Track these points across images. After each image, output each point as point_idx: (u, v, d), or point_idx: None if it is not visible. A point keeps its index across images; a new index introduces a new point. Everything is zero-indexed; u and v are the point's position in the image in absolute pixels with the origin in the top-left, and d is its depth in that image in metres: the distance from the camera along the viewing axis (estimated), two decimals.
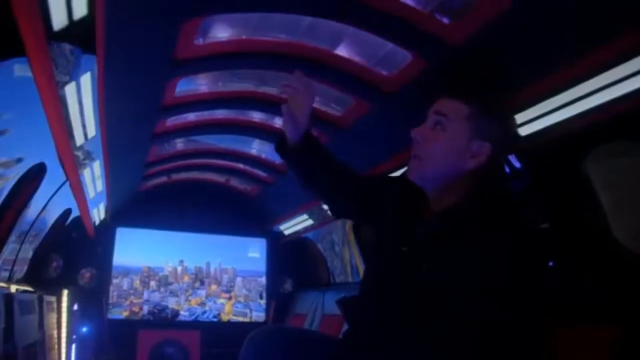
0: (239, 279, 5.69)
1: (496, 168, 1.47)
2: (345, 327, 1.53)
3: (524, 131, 2.23)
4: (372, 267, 1.55)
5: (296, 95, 1.58)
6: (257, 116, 3.54)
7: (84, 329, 4.85)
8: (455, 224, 1.31)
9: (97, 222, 4.90)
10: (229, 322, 5.50)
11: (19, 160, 2.73)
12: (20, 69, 1.90)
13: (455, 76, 2.17)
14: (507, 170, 2.37)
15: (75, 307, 4.72)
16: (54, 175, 3.08)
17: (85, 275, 5.12)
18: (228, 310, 5.57)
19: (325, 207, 4.25)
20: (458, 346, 1.19)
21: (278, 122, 3.54)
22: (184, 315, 5.42)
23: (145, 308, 5.31)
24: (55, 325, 3.97)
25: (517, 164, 2.34)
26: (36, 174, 2.93)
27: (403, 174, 1.55)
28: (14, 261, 3.57)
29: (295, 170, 1.67)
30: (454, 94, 1.41)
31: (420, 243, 1.35)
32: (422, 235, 1.37)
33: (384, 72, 2.55)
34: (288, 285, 5.82)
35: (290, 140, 1.60)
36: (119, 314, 5.21)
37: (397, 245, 1.41)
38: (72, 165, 2.70)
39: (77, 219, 4.35)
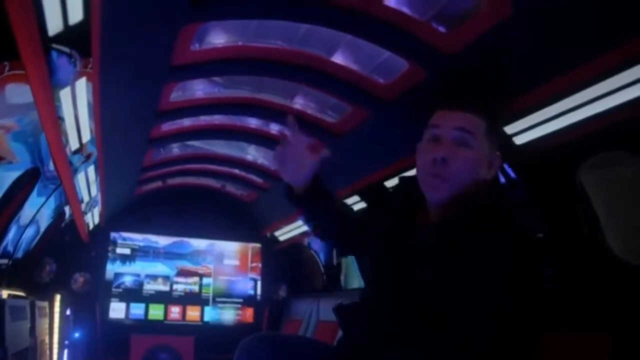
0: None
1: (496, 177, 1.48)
2: (340, 333, 1.52)
3: (519, 140, 2.24)
4: (370, 276, 1.54)
5: (287, 150, 1.58)
6: (253, 122, 3.54)
7: (77, 334, 4.81)
8: (454, 234, 1.30)
9: (91, 227, 4.87)
10: (223, 328, 5.46)
11: (15, 163, 2.72)
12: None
13: (462, 87, 2.16)
14: (504, 180, 2.37)
15: (68, 312, 4.68)
16: (48, 179, 3.06)
17: (79, 280, 5.08)
18: None
19: None
20: (455, 356, 1.18)
21: (274, 128, 3.54)
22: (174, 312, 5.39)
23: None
24: (47, 331, 3.94)
25: (513, 175, 2.34)
26: (30, 178, 2.92)
27: (399, 185, 1.54)
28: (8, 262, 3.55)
29: (300, 214, 1.69)
30: (470, 107, 1.39)
31: (419, 252, 1.34)
32: (419, 244, 1.36)
33: (381, 80, 2.55)
34: (282, 291, 5.80)
35: (295, 187, 1.60)
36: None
37: (394, 255, 1.40)
38: (66, 169, 2.69)
39: (71, 223, 4.33)
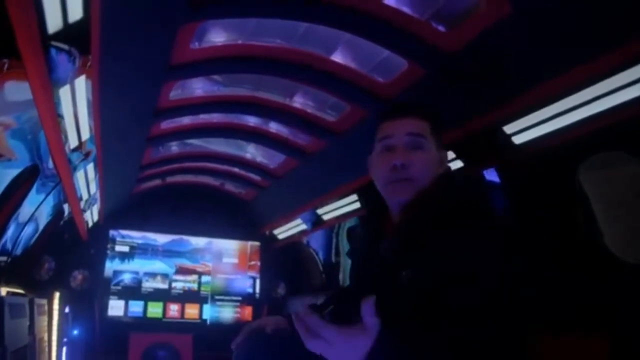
0: None
1: (452, 175, 1.52)
2: None
3: (518, 139, 2.24)
4: (356, 282, 1.56)
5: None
6: (252, 121, 3.54)
7: (75, 332, 4.81)
8: (415, 232, 1.31)
9: (90, 224, 4.87)
10: (221, 326, 5.47)
11: (13, 160, 2.72)
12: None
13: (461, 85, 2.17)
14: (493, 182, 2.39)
15: (67, 310, 4.68)
16: (47, 177, 3.06)
17: (78, 277, 5.08)
18: None
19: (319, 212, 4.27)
20: (448, 356, 1.18)
21: (273, 127, 3.54)
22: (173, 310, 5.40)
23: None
24: (46, 329, 3.94)
25: (497, 179, 2.37)
26: (29, 176, 2.92)
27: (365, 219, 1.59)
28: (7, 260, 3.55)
29: None
30: (413, 113, 1.45)
31: (392, 255, 1.36)
32: (390, 247, 1.37)
33: (380, 79, 2.55)
34: (281, 290, 5.81)
35: None
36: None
37: (371, 265, 1.42)
38: (65, 167, 2.69)
39: (70, 221, 4.33)
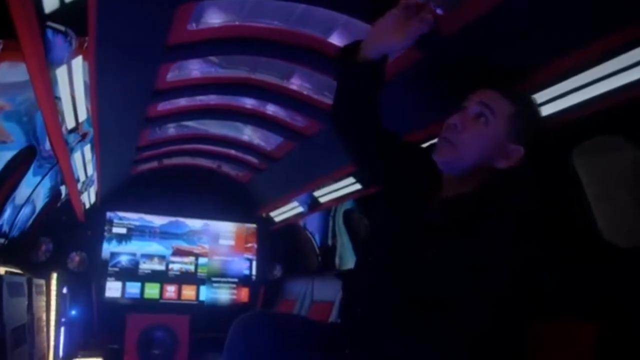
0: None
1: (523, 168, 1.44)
2: (334, 313, 1.54)
3: None
4: (371, 249, 1.55)
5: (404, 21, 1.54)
6: (249, 102, 3.53)
7: (73, 312, 4.85)
8: (459, 216, 1.31)
9: (87, 206, 4.88)
10: (218, 307, 5.52)
11: (9, 142, 2.72)
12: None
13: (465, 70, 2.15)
14: None
15: (65, 290, 4.71)
16: (44, 159, 3.06)
17: (75, 259, 5.10)
18: None
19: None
20: (450, 338, 1.20)
21: (270, 108, 3.54)
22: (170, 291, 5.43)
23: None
24: (44, 308, 3.97)
25: None
26: (26, 157, 2.91)
27: (428, 150, 1.53)
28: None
29: (344, 86, 1.66)
30: (501, 88, 1.41)
31: (423, 230, 1.36)
32: (425, 222, 1.37)
33: None
34: (277, 272, 5.85)
35: (364, 53, 1.58)
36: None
37: (399, 230, 1.42)
38: (62, 148, 2.69)
39: (67, 203, 4.34)
